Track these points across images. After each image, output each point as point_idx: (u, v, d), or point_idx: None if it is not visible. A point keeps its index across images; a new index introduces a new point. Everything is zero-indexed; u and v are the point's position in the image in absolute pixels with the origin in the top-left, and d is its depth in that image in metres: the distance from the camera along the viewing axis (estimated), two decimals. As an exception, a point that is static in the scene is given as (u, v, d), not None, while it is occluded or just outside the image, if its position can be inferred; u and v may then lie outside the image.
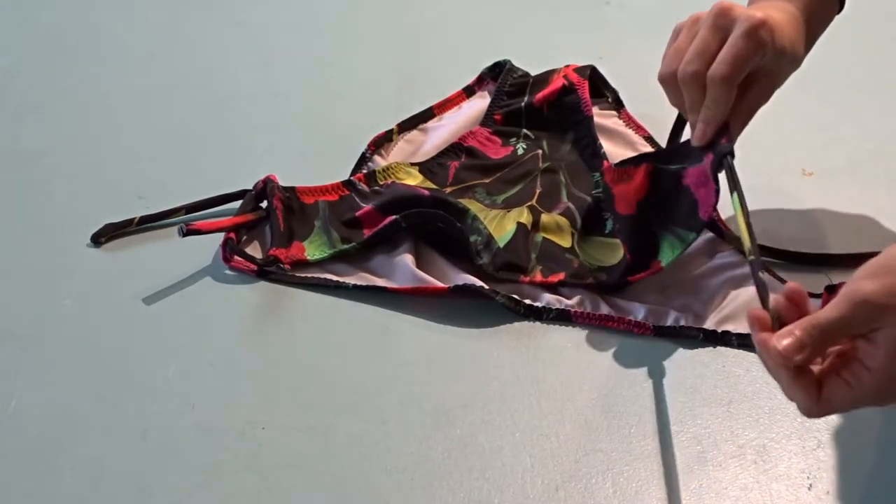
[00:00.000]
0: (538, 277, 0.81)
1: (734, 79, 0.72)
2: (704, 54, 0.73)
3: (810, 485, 0.66)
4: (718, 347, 0.75)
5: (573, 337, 0.77)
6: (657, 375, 0.74)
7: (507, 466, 0.66)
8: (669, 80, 0.76)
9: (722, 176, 0.74)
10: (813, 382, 0.58)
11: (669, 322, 0.77)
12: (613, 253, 0.84)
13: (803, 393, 0.58)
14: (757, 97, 0.76)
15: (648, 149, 0.95)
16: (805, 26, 0.76)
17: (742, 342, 0.75)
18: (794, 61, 0.75)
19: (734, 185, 0.71)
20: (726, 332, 0.76)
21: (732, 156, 0.73)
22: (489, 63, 1.04)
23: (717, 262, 0.81)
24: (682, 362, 0.75)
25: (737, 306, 0.77)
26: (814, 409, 0.58)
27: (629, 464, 0.67)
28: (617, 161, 0.90)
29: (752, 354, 0.75)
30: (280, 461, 0.66)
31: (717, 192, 0.74)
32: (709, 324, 0.77)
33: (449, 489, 0.65)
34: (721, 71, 0.72)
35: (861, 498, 0.65)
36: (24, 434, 0.68)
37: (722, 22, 0.73)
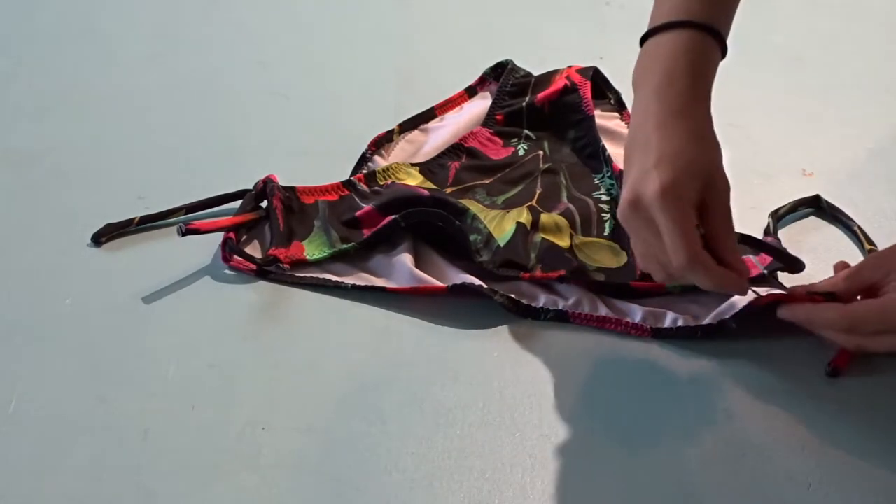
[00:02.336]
0: (539, 273, 0.81)
1: (696, 255, 0.67)
2: (656, 258, 0.69)
3: (810, 485, 0.66)
4: (719, 348, 0.75)
5: (573, 337, 0.77)
6: (657, 375, 0.74)
7: (507, 466, 0.66)
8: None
9: None
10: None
11: (667, 323, 0.77)
12: (613, 256, 0.84)
13: (833, 308, 0.72)
14: (717, 216, 0.70)
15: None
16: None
17: (741, 323, 0.75)
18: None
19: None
20: (723, 321, 0.75)
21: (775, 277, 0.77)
22: (489, 63, 1.04)
23: None
24: (682, 362, 0.75)
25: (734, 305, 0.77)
26: (841, 316, 0.71)
27: (629, 464, 0.67)
28: (619, 161, 0.91)
29: (752, 355, 0.75)
30: (280, 461, 0.66)
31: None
32: (705, 322, 0.77)
33: (449, 489, 0.65)
34: (680, 261, 0.67)
35: (861, 498, 0.65)
36: (24, 434, 0.68)
37: (643, 216, 0.68)
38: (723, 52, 0.73)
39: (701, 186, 0.67)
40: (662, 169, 0.66)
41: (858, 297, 0.75)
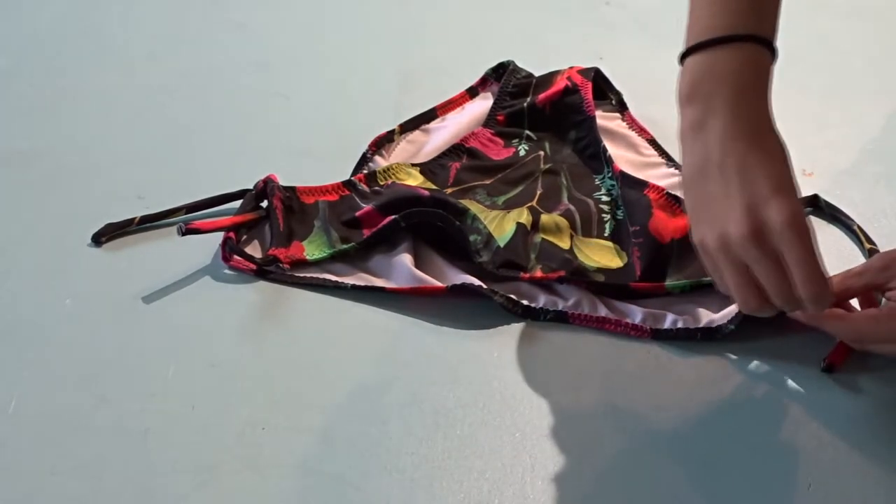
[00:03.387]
0: (538, 274, 0.81)
1: (826, 286, 0.66)
2: (757, 287, 0.66)
3: (810, 485, 0.66)
4: (718, 348, 0.75)
5: (573, 337, 0.77)
6: (657, 376, 0.74)
7: (507, 466, 0.66)
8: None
9: None
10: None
11: (667, 325, 0.77)
12: (612, 256, 0.84)
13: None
14: None
15: (652, 152, 0.95)
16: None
17: (740, 325, 0.75)
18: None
19: None
20: (721, 325, 0.75)
21: None
22: (489, 63, 1.04)
23: None
24: (683, 363, 0.75)
25: (733, 309, 0.77)
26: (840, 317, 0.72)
27: (629, 464, 0.67)
28: (620, 162, 0.91)
29: (750, 357, 0.75)
30: (280, 461, 0.66)
31: None
32: (704, 324, 0.77)
33: (449, 489, 0.65)
34: (814, 290, 0.65)
35: (861, 498, 0.65)
36: (24, 434, 0.68)
37: (764, 249, 0.64)
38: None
39: None
40: (785, 197, 0.63)
41: (855, 301, 0.75)
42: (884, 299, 0.74)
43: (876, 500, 0.65)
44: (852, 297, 0.76)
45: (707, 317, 0.77)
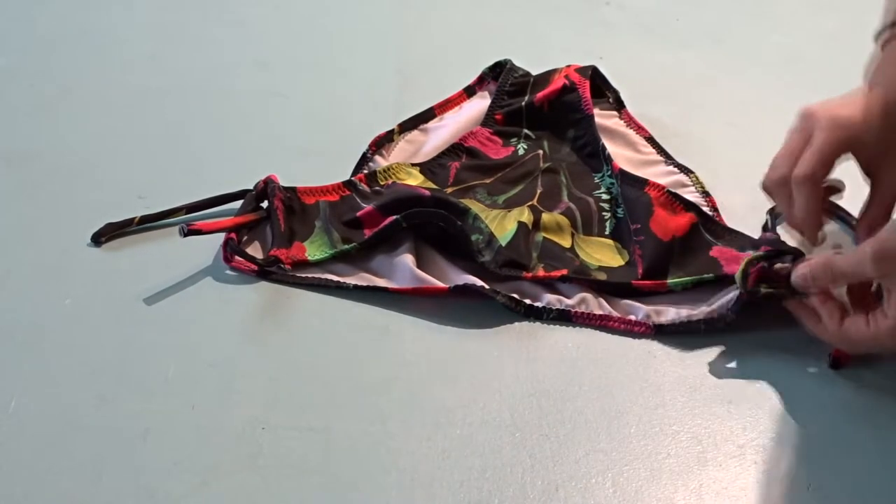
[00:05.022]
0: (541, 273, 0.81)
1: (813, 178, 0.74)
2: (790, 158, 0.75)
3: (810, 485, 0.66)
4: (721, 345, 0.76)
5: (573, 337, 0.77)
6: (657, 375, 0.74)
7: (507, 466, 0.66)
8: (768, 188, 0.78)
9: None
10: (838, 308, 0.71)
11: (670, 318, 0.77)
12: (614, 254, 0.84)
13: (827, 314, 0.71)
14: (888, 188, 0.77)
15: (650, 150, 0.95)
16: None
17: (743, 319, 0.75)
18: (892, 143, 0.75)
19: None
20: (723, 313, 0.76)
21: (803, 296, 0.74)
22: (489, 63, 1.04)
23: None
24: (683, 362, 0.75)
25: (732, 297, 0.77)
26: (835, 332, 0.71)
27: (629, 464, 0.67)
28: (618, 160, 0.91)
29: (753, 355, 0.75)
30: (280, 461, 0.66)
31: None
32: (705, 314, 0.77)
33: (449, 489, 0.65)
34: (800, 171, 0.74)
35: (861, 498, 0.65)
36: (24, 434, 0.68)
37: (805, 125, 0.76)
38: None
39: None
40: None
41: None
42: (879, 313, 0.70)
43: (877, 500, 0.65)
44: (842, 285, 0.73)
45: (709, 309, 0.77)
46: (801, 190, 0.75)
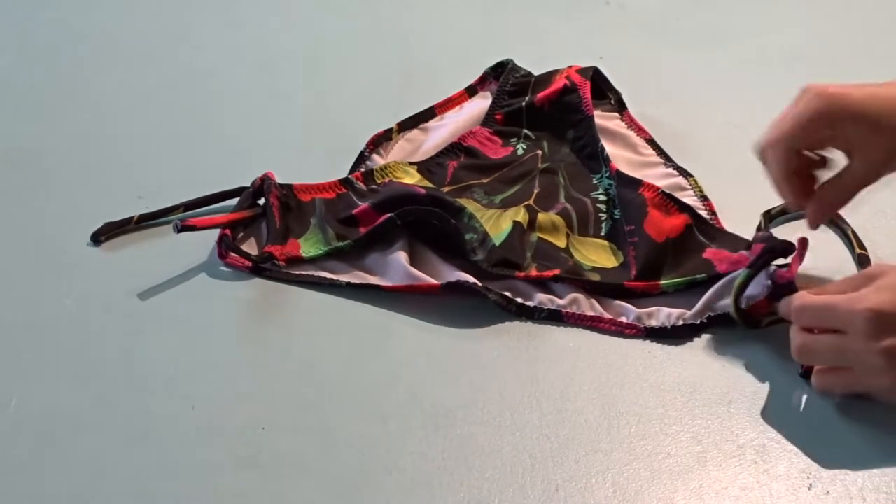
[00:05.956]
0: (533, 272, 0.81)
1: (783, 141, 0.74)
2: (775, 124, 0.76)
3: (810, 485, 0.66)
4: (716, 345, 0.76)
5: (573, 337, 0.77)
6: (657, 375, 0.74)
7: (507, 466, 0.66)
8: (756, 152, 0.78)
9: None
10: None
11: (661, 320, 0.77)
12: (608, 256, 0.84)
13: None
14: (852, 175, 0.76)
15: (650, 151, 0.95)
16: None
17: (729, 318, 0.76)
18: (876, 129, 0.74)
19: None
20: (714, 317, 0.76)
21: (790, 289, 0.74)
22: (489, 63, 1.04)
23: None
24: (682, 362, 0.75)
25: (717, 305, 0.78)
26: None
27: (629, 464, 0.67)
28: (618, 162, 0.91)
29: (753, 354, 0.75)
30: (280, 461, 0.66)
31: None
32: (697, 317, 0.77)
33: (449, 489, 0.65)
34: (770, 134, 0.75)
35: (861, 498, 0.65)
36: (24, 434, 0.68)
37: (799, 96, 0.75)
38: None
39: None
40: None
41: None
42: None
43: (877, 500, 0.65)
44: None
45: (701, 312, 0.77)
46: (771, 153, 0.75)
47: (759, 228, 0.85)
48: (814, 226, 0.78)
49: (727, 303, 0.76)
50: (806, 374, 0.73)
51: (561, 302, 0.79)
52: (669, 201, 0.84)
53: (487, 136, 0.97)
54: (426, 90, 1.03)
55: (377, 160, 0.93)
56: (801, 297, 0.71)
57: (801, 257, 0.76)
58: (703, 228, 0.83)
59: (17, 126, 1.00)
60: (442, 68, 1.10)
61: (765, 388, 0.73)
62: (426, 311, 0.78)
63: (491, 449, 0.68)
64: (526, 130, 0.98)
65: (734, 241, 0.82)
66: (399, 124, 0.97)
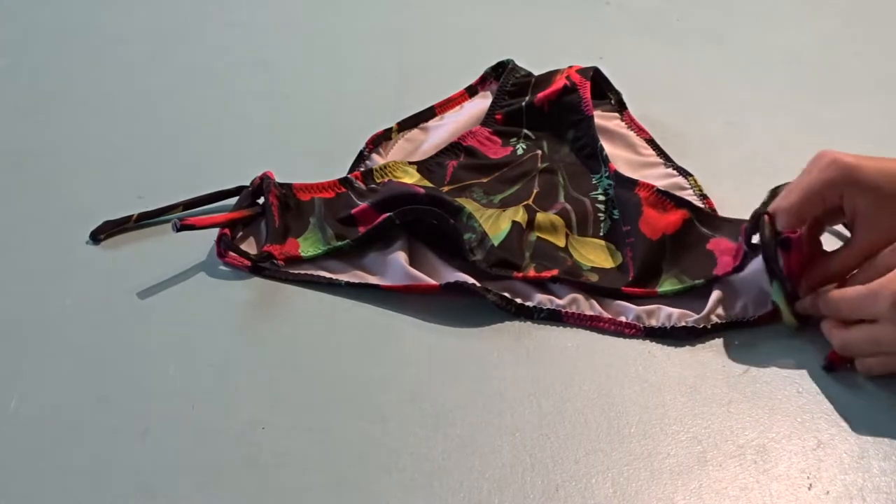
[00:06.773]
0: (532, 273, 0.81)
1: (791, 211, 0.75)
2: (789, 192, 0.76)
3: (810, 485, 0.66)
4: (715, 344, 0.76)
5: (573, 337, 0.77)
6: (657, 375, 0.74)
7: (507, 466, 0.66)
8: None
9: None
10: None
11: (661, 320, 0.77)
12: (607, 256, 0.84)
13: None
14: (858, 245, 0.76)
15: (650, 152, 0.95)
16: None
17: (731, 324, 0.77)
18: (884, 202, 0.74)
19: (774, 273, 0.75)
20: (715, 324, 0.77)
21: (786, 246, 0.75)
22: (489, 62, 1.04)
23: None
24: (682, 362, 0.75)
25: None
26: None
27: (629, 464, 0.67)
28: (617, 162, 0.91)
29: (753, 355, 0.75)
30: (280, 461, 0.66)
31: (741, 267, 0.78)
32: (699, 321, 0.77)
33: (449, 489, 0.65)
34: (779, 202, 0.76)
35: (861, 498, 0.65)
36: (24, 434, 0.68)
37: (809, 166, 0.77)
38: None
39: None
40: None
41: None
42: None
43: (877, 499, 0.65)
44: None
45: (700, 313, 0.77)
46: (780, 221, 0.75)
47: (764, 203, 0.85)
48: (806, 300, 0.77)
49: (732, 311, 0.77)
50: (828, 367, 0.73)
51: (560, 302, 0.79)
52: (665, 198, 0.84)
53: (487, 135, 0.97)
54: (426, 90, 1.03)
55: (377, 160, 0.94)
56: (827, 293, 0.73)
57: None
58: (704, 219, 0.83)
59: (17, 126, 1.00)
60: (442, 68, 1.10)
61: (765, 388, 0.73)
62: (426, 311, 0.78)
63: (491, 449, 0.68)
64: (526, 130, 0.98)
65: (736, 227, 0.81)
66: (399, 124, 0.98)
